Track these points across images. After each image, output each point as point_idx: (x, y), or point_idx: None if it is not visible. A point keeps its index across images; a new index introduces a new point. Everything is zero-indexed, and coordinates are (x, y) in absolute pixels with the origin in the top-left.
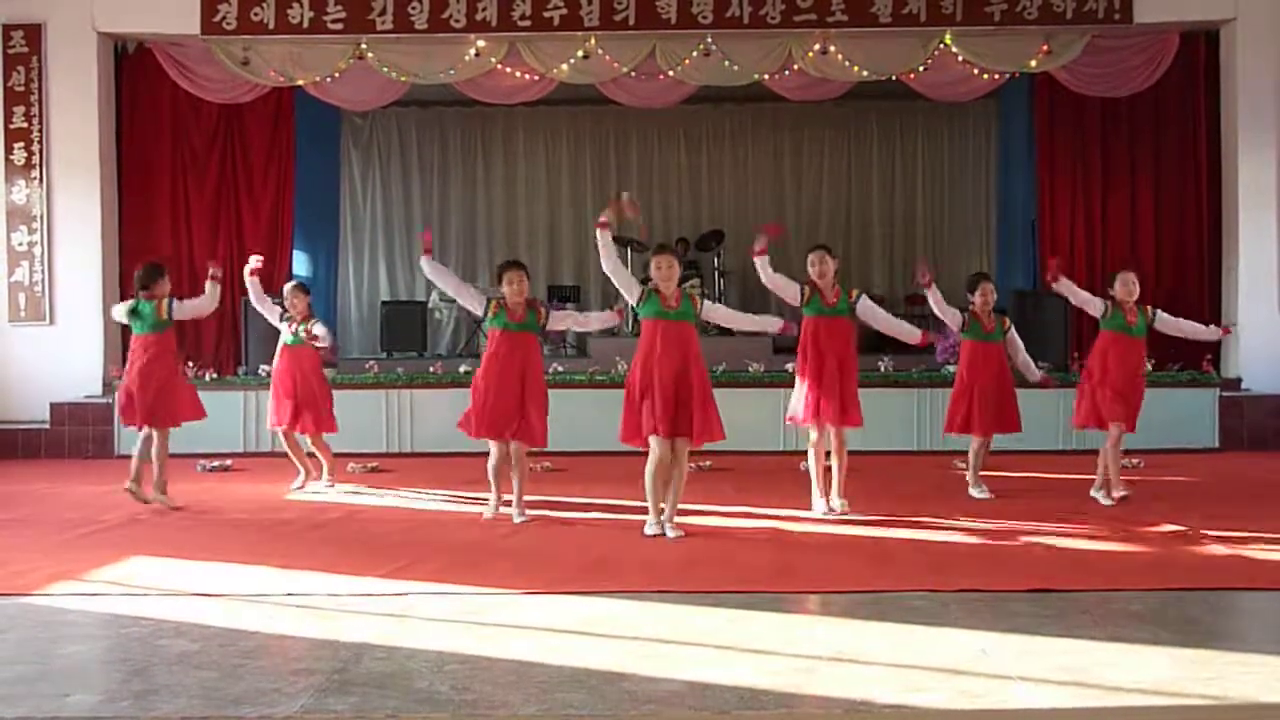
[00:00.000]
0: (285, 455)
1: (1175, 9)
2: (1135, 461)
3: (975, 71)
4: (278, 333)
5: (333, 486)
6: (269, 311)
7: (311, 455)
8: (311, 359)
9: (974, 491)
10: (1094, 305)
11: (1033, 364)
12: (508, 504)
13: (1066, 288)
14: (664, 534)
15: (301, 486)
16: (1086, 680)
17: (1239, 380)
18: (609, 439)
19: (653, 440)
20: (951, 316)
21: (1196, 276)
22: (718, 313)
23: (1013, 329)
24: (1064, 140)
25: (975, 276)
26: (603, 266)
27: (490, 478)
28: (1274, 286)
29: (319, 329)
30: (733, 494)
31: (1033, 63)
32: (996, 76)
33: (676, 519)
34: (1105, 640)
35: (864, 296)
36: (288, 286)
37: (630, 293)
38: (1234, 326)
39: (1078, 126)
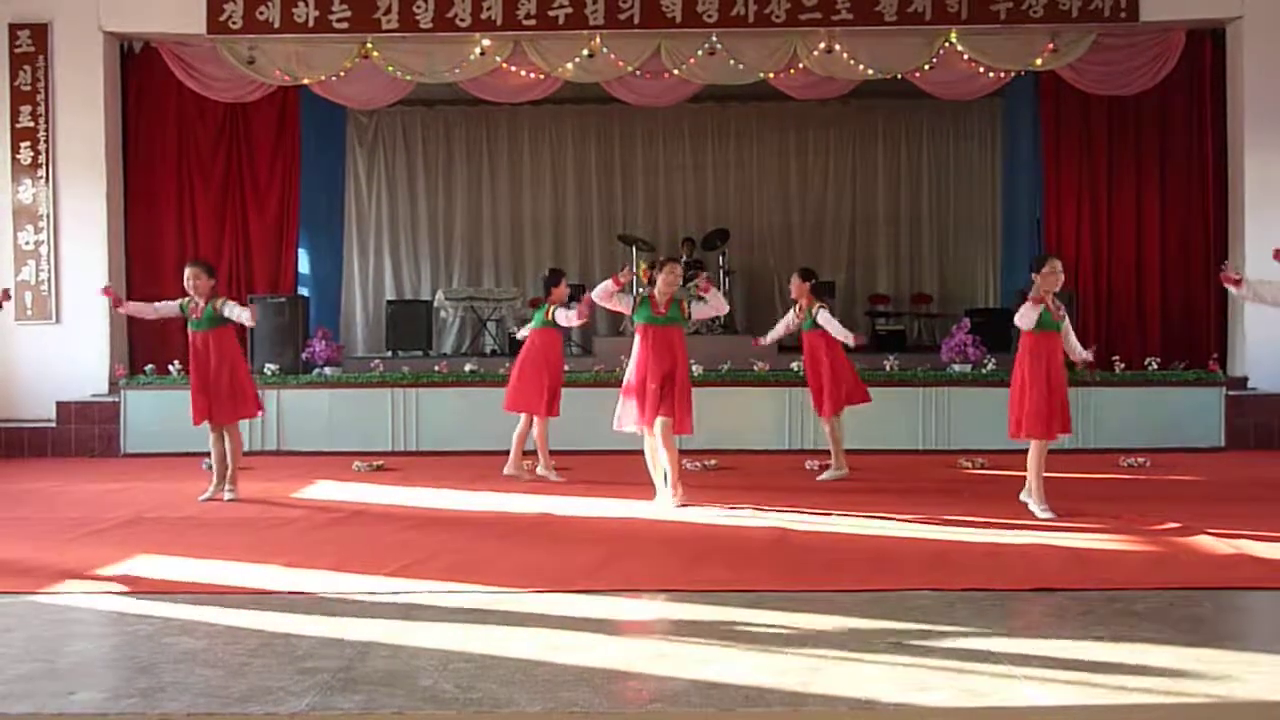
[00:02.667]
0: (291, 454)
1: (1181, 7)
2: (1142, 460)
3: (981, 70)
4: (286, 328)
5: (232, 495)
6: (166, 311)
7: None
8: (224, 340)
9: (1037, 510)
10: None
11: (1079, 346)
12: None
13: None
14: (669, 499)
15: (213, 496)
16: (1091, 679)
17: (1245, 379)
18: (615, 438)
19: (645, 430)
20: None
21: (1202, 275)
22: (698, 312)
23: (1066, 316)
24: (1069, 139)
25: (1043, 255)
26: (602, 300)
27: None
28: None
29: (234, 308)
30: (738, 493)
31: (1038, 61)
32: (1002, 75)
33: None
34: (1110, 639)
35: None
36: (189, 267)
37: (627, 307)
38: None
39: (1083, 125)
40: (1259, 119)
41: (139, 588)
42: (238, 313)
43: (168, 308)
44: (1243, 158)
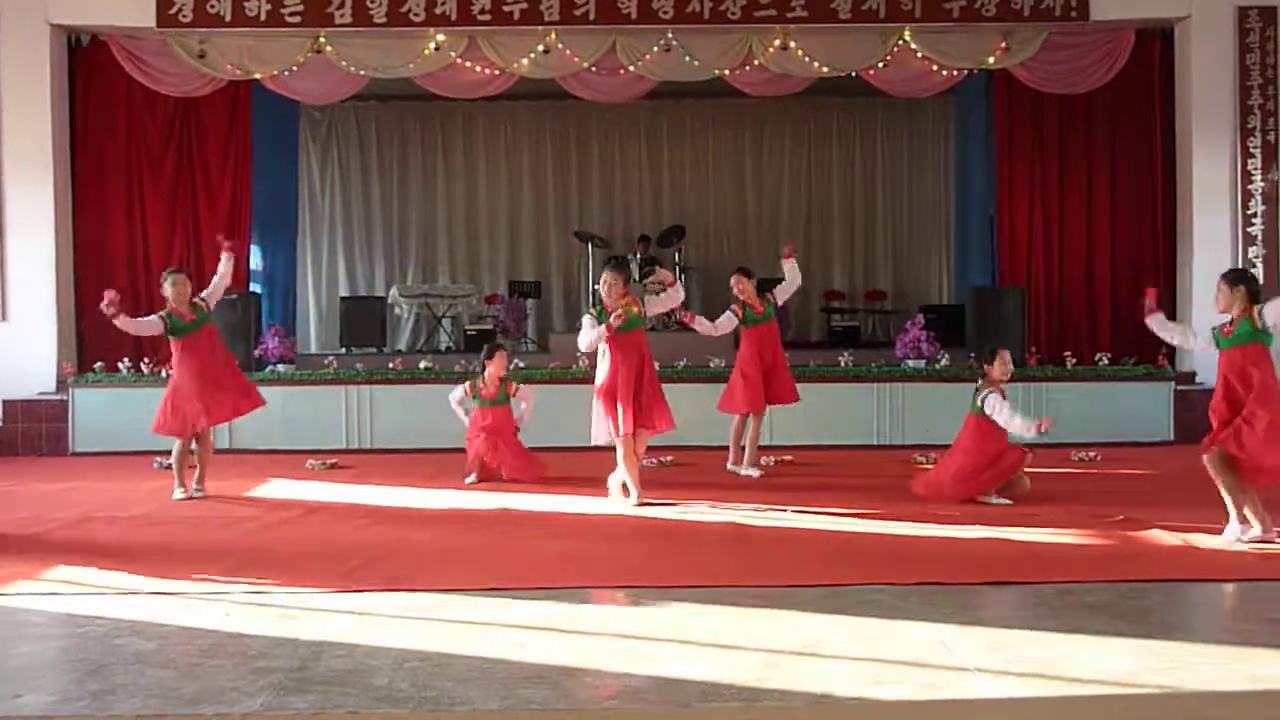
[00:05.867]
0: (243, 452)
1: (1131, 6)
2: (1092, 455)
3: (934, 68)
4: (238, 325)
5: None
6: (147, 328)
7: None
8: (216, 336)
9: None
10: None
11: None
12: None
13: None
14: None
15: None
16: (1045, 671)
17: (1193, 374)
18: (571, 434)
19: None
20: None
21: (1152, 272)
22: (653, 305)
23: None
24: (1022, 137)
25: (738, 271)
26: (589, 348)
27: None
28: None
29: (219, 280)
30: (694, 489)
31: (991, 59)
32: (955, 73)
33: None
34: (1063, 631)
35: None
36: (175, 275)
37: (599, 335)
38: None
39: (1036, 123)
40: (1207, 117)
41: (89, 588)
42: (222, 271)
43: (150, 324)
44: (1191, 155)
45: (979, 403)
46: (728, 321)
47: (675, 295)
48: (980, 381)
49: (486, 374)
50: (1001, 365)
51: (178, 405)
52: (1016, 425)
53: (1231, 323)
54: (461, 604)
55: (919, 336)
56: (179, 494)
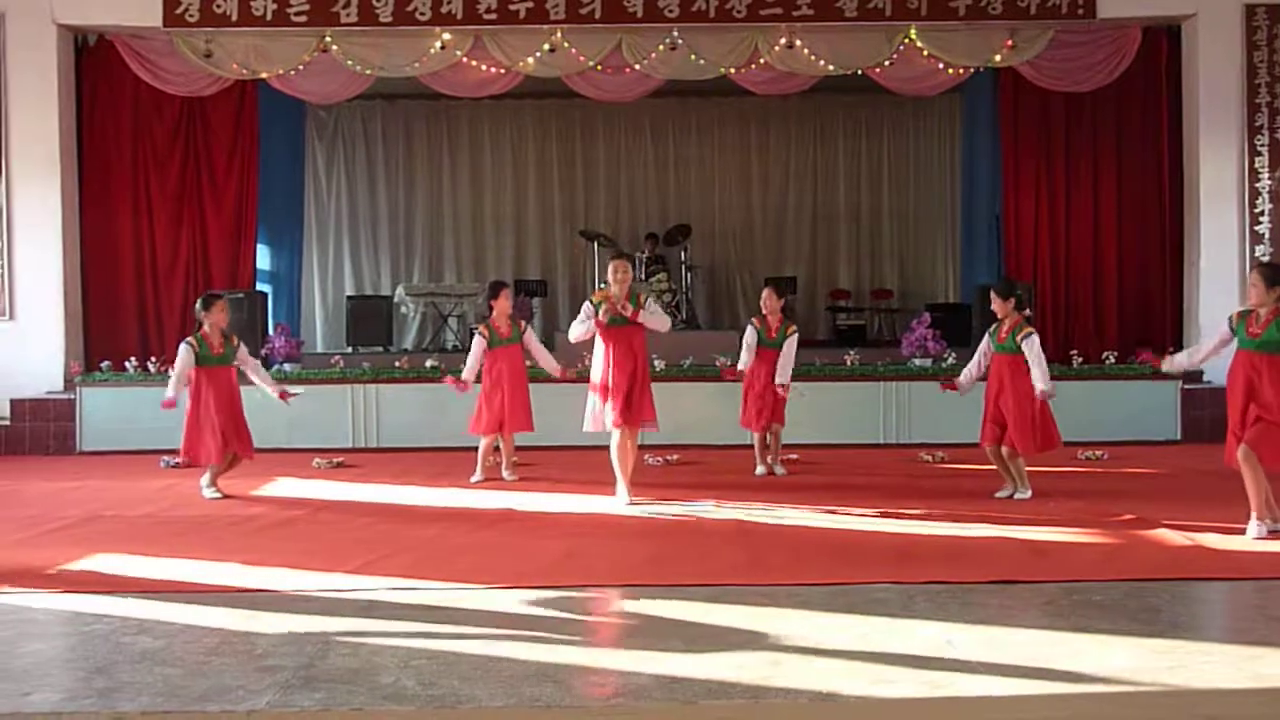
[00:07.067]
0: None
1: (1138, 4)
2: (1099, 454)
3: (940, 66)
4: (244, 324)
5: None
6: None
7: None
8: (230, 376)
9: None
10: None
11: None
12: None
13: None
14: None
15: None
16: (1051, 670)
17: (1200, 373)
18: (575, 434)
19: (615, 430)
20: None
21: (1159, 271)
22: (648, 317)
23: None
24: (1028, 135)
25: (769, 285)
26: (580, 339)
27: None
28: (1235, 281)
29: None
30: (700, 488)
31: (997, 58)
32: (961, 71)
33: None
34: (1068, 630)
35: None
36: (221, 301)
37: (587, 330)
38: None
39: (1042, 121)
40: (1215, 115)
41: (96, 586)
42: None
43: (182, 361)
44: (1198, 153)
45: (1016, 341)
46: (749, 338)
47: (658, 322)
48: (994, 325)
49: (494, 313)
50: (994, 302)
51: (222, 429)
52: (1039, 377)
53: (1260, 323)
54: (467, 602)
55: (925, 335)
56: (215, 494)
